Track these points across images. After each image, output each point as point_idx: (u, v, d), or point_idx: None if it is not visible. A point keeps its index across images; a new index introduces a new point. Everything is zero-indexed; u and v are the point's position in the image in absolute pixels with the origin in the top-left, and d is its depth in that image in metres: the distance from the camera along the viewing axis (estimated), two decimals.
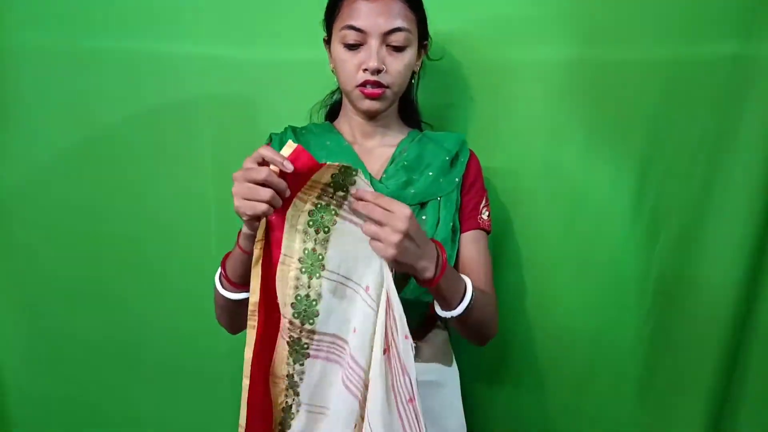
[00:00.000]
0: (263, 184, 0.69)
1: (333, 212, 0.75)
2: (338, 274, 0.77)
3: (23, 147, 1.24)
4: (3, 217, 1.27)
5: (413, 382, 0.72)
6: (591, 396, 1.27)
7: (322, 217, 0.75)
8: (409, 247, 0.72)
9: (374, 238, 0.72)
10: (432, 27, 0.99)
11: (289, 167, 0.69)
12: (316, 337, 0.78)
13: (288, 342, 0.78)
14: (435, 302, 0.85)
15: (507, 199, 1.21)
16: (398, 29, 0.90)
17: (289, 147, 0.70)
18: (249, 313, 0.76)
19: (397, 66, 0.92)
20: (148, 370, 1.34)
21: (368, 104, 0.94)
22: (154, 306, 1.31)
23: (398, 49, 0.91)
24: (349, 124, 1.02)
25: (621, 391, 1.26)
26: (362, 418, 0.76)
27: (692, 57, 1.11)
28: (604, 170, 1.17)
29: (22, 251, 1.29)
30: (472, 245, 0.97)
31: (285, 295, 0.76)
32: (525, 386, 1.29)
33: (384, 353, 0.72)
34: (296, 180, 0.72)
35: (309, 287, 0.76)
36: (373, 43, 0.90)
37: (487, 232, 1.00)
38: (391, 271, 0.73)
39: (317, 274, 0.76)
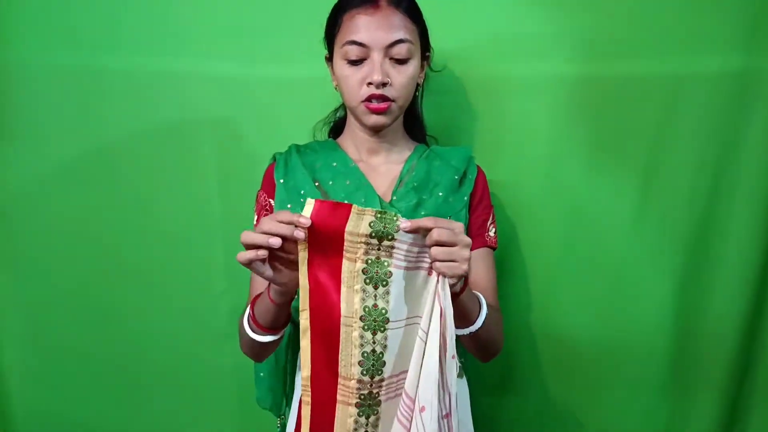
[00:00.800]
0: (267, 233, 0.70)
1: (386, 264, 0.73)
2: (401, 320, 0.76)
3: (29, 161, 1.24)
4: (9, 229, 1.28)
5: (452, 399, 0.75)
6: (598, 408, 1.27)
7: (376, 272, 0.73)
8: None
9: (446, 259, 0.71)
10: (436, 43, 0.99)
11: (305, 223, 0.69)
12: (385, 383, 0.77)
13: (357, 403, 0.76)
14: None
15: (510, 213, 1.21)
16: (400, 41, 0.89)
17: (309, 204, 0.70)
18: (302, 387, 0.76)
19: (401, 78, 0.91)
20: (151, 383, 1.34)
21: (374, 119, 0.93)
22: (158, 320, 1.31)
23: (401, 61, 0.90)
24: (354, 140, 1.01)
25: (628, 403, 1.26)
26: None
27: (694, 71, 1.11)
28: (606, 184, 1.17)
29: (27, 264, 1.29)
30: (480, 263, 0.96)
31: (350, 356, 0.75)
32: (530, 399, 1.29)
33: (438, 378, 0.72)
34: (329, 231, 0.71)
35: (374, 342, 0.75)
36: (376, 56, 0.89)
37: (494, 249, 1.00)
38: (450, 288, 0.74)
39: (381, 328, 0.75)
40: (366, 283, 0.73)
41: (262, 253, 0.70)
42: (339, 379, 0.76)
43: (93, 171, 1.25)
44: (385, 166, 1.00)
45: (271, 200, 0.98)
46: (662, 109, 1.13)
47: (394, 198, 0.95)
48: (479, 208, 0.99)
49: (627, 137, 1.15)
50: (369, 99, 0.91)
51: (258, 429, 1.26)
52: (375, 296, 0.74)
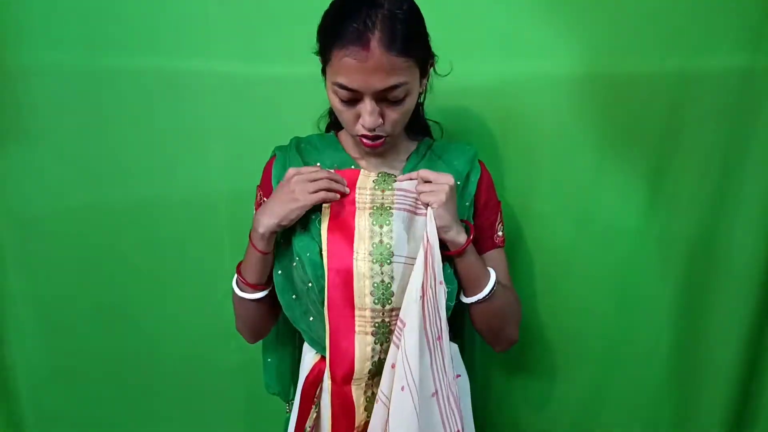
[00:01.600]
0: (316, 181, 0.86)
1: (388, 208, 0.89)
2: (404, 256, 0.88)
3: (40, 162, 1.26)
4: (21, 229, 1.29)
5: (443, 322, 0.84)
6: (602, 409, 1.27)
7: (381, 215, 0.88)
8: (450, 207, 0.86)
9: (429, 190, 0.85)
10: (442, 42, 0.98)
11: (347, 190, 0.89)
12: (395, 314, 0.87)
13: (372, 332, 0.88)
14: (460, 290, 0.91)
15: (516, 214, 1.21)
16: (395, 86, 0.82)
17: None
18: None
19: (395, 116, 0.86)
20: (161, 381, 1.36)
21: (369, 150, 0.91)
22: (167, 319, 1.32)
23: (397, 102, 0.85)
24: (355, 140, 0.97)
25: (633, 404, 1.26)
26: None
27: (702, 70, 1.10)
28: (613, 184, 1.17)
29: (39, 264, 1.31)
30: (494, 264, 0.96)
31: (363, 287, 0.87)
32: (535, 400, 1.29)
33: (420, 298, 0.81)
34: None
35: (382, 273, 0.86)
36: (368, 101, 0.83)
37: (503, 247, 1.00)
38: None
39: (388, 261, 0.87)
40: (373, 225, 0.88)
41: (332, 195, 0.88)
42: (355, 311, 0.87)
43: (103, 171, 1.26)
44: (384, 167, 0.98)
45: (266, 199, 0.95)
46: (669, 108, 1.12)
47: None
48: (486, 211, 0.98)
49: (634, 137, 1.14)
50: (363, 136, 0.88)
51: (266, 425, 1.27)
52: (381, 234, 0.88)
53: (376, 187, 0.90)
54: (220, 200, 1.26)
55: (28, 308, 1.33)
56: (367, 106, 0.84)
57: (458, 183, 0.95)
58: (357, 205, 0.90)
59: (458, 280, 0.91)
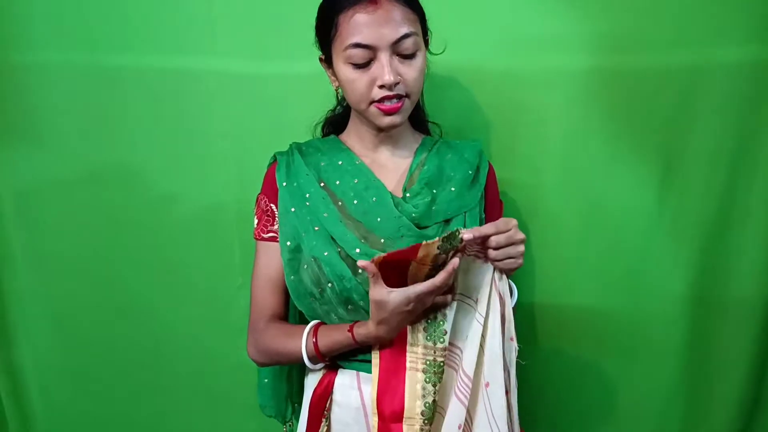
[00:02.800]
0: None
1: (450, 255, 0.81)
2: (460, 294, 0.85)
3: (49, 160, 1.26)
4: (32, 227, 1.30)
5: (512, 378, 0.83)
6: (614, 400, 1.26)
7: (444, 260, 0.81)
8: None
9: (504, 258, 0.80)
10: (451, 37, 0.98)
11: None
12: (446, 352, 0.84)
13: (423, 369, 0.84)
14: None
15: (526, 208, 1.20)
16: (406, 35, 0.84)
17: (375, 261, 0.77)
18: (372, 352, 0.86)
19: (412, 73, 0.87)
20: (171, 377, 1.36)
21: (389, 120, 0.89)
22: (176, 316, 1.32)
23: (409, 56, 0.86)
24: (360, 137, 0.98)
25: (646, 394, 1.25)
26: (467, 420, 0.82)
27: (711, 63, 1.10)
28: (623, 178, 1.16)
29: (49, 262, 1.31)
30: None
31: (417, 323, 0.84)
32: (546, 393, 1.29)
33: (501, 356, 0.80)
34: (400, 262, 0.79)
35: (435, 310, 0.84)
36: (384, 56, 0.84)
37: None
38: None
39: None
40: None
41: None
42: (407, 347, 0.84)
43: (110, 170, 1.27)
44: (392, 161, 0.97)
45: (272, 205, 0.96)
46: (679, 101, 1.12)
47: (407, 195, 0.93)
48: (491, 205, 0.98)
49: (643, 130, 1.14)
50: (381, 100, 0.87)
51: (277, 424, 1.26)
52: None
53: (441, 252, 0.79)
54: (227, 198, 1.26)
55: (38, 307, 1.34)
56: (383, 60, 0.84)
57: (470, 172, 0.96)
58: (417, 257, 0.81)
59: None
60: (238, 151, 1.24)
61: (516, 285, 0.97)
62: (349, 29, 0.83)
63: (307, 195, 0.92)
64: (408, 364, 0.84)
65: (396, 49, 0.85)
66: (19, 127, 1.25)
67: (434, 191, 0.93)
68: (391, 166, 0.97)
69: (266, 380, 1.10)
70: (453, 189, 0.94)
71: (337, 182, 0.94)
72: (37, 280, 1.32)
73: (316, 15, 0.91)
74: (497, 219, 0.96)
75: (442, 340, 0.84)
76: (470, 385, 0.81)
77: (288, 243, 0.92)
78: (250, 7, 1.18)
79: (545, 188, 1.19)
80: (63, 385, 1.38)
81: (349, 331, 0.85)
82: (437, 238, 0.76)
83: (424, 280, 0.79)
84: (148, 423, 1.39)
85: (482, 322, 0.82)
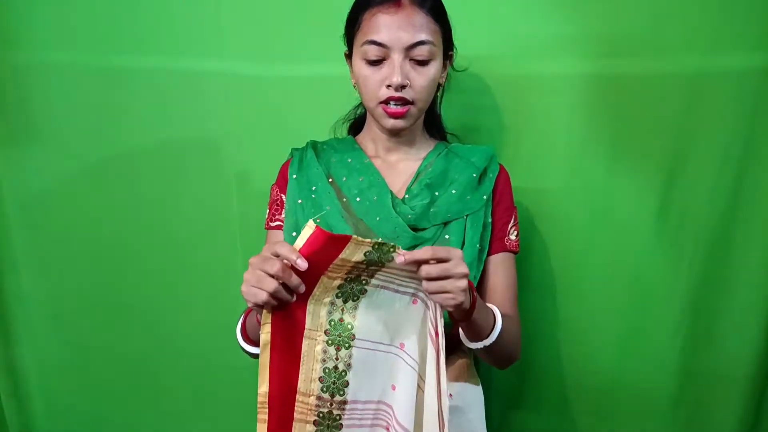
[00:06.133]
0: (272, 276, 0.67)
1: (363, 282, 0.72)
2: (370, 341, 0.74)
3: (52, 161, 1.26)
4: (32, 228, 1.30)
5: (446, 428, 0.70)
6: (618, 416, 1.26)
7: (351, 288, 0.73)
8: (466, 297, 0.71)
9: (440, 291, 0.69)
10: (457, 43, 0.97)
11: (303, 265, 0.67)
12: (348, 406, 0.75)
13: (315, 421, 0.74)
14: (462, 334, 0.83)
15: (529, 214, 1.20)
16: (422, 42, 0.86)
17: (309, 228, 0.66)
18: (258, 405, 0.73)
19: (421, 81, 0.88)
20: (172, 380, 1.36)
21: (392, 123, 0.91)
22: (178, 318, 1.32)
23: (422, 63, 0.88)
24: (373, 139, 1.00)
25: (649, 403, 1.25)
26: None
27: (716, 69, 1.09)
28: (627, 184, 1.16)
29: (50, 263, 1.31)
30: (499, 268, 0.95)
31: (311, 370, 0.73)
32: (549, 408, 1.29)
33: (438, 413, 0.70)
34: (320, 260, 0.68)
35: (337, 359, 0.74)
36: (396, 57, 0.86)
37: (515, 253, 0.97)
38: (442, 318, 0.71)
39: (346, 345, 0.74)
40: (337, 297, 0.72)
41: (281, 295, 0.68)
42: (297, 395, 0.73)
43: (114, 170, 1.27)
44: (402, 163, 0.99)
45: (282, 195, 0.98)
46: (683, 107, 1.11)
47: (407, 196, 0.94)
48: (499, 210, 0.97)
49: (648, 136, 1.13)
50: (387, 101, 0.88)
51: None
52: (342, 310, 0.73)
53: (364, 261, 0.69)
54: (232, 199, 1.26)
55: (40, 306, 1.34)
56: (394, 61, 0.86)
57: (474, 176, 0.95)
58: (327, 273, 0.70)
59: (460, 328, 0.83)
60: (243, 152, 1.24)
61: (520, 289, 0.98)
62: (370, 26, 0.87)
63: (314, 188, 0.95)
64: (296, 415, 0.74)
65: (410, 53, 0.87)
66: (23, 127, 1.24)
67: (435, 193, 0.93)
68: (401, 168, 0.98)
69: None
70: (454, 191, 0.93)
71: (344, 178, 0.96)
72: (37, 280, 1.32)
73: (335, 16, 0.94)
74: (505, 221, 0.96)
75: (342, 392, 0.74)
76: None
77: (293, 233, 0.93)
78: (258, 9, 1.17)
79: (548, 194, 1.19)
80: (63, 385, 1.38)
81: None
82: (369, 239, 0.66)
83: (332, 291, 0.72)
84: (148, 423, 1.39)
85: (415, 368, 0.72)
